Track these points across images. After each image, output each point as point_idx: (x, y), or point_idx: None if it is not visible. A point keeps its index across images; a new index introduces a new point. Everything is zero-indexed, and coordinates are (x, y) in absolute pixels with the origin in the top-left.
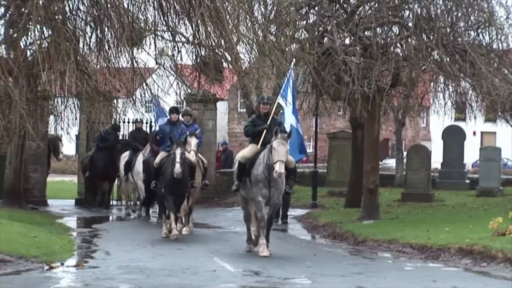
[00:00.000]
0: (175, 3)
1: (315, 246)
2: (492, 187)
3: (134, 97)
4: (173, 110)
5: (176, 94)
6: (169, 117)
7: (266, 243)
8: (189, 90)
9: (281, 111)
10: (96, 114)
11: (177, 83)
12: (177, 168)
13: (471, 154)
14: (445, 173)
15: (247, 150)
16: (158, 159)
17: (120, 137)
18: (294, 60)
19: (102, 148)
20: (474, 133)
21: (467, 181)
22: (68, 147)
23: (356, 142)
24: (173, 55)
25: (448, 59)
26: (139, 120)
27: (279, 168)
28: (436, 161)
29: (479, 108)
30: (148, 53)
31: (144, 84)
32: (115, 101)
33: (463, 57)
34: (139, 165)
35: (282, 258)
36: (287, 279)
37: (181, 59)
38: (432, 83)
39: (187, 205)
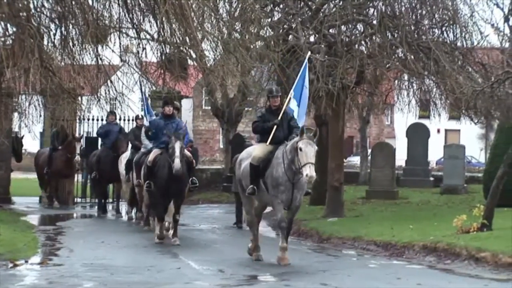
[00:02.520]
0: (140, 0)
1: None
2: (456, 185)
3: (98, 94)
4: (168, 102)
5: (141, 91)
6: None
7: (286, 246)
8: (154, 88)
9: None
10: (61, 111)
11: (142, 81)
12: (177, 163)
13: (435, 151)
14: (410, 170)
15: (258, 150)
16: (151, 156)
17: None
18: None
19: (107, 145)
20: (438, 130)
21: (431, 178)
22: (33, 145)
23: (320, 139)
24: (138, 52)
25: (412, 57)
26: (140, 117)
27: (310, 171)
28: (401, 158)
29: (443, 105)
30: (112, 50)
31: (108, 81)
32: (79, 98)
33: (427, 55)
34: None
35: (246, 256)
36: (251, 277)
37: (146, 56)
38: (396, 81)
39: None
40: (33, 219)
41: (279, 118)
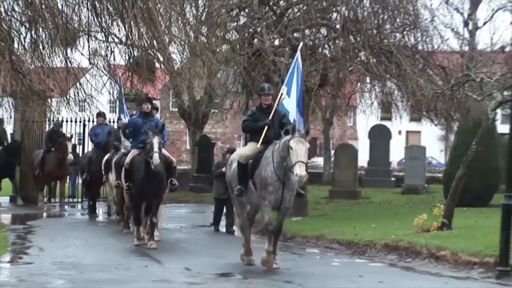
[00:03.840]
0: (108, 5)
1: None
2: (417, 185)
3: (67, 96)
4: (146, 99)
5: (109, 93)
6: (141, 107)
7: (272, 250)
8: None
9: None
10: (31, 113)
11: (110, 83)
12: (155, 158)
13: (396, 152)
14: (371, 171)
15: (247, 148)
16: (128, 158)
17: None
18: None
19: (98, 146)
20: (400, 132)
21: (393, 179)
22: None
23: None
24: (106, 55)
25: (374, 60)
26: (122, 118)
27: (300, 170)
28: (363, 159)
29: (404, 107)
30: (81, 53)
31: (77, 83)
32: (49, 100)
33: (389, 58)
34: None
35: (212, 255)
36: (217, 275)
37: (114, 59)
38: (359, 84)
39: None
40: (3, 218)
41: (270, 117)
